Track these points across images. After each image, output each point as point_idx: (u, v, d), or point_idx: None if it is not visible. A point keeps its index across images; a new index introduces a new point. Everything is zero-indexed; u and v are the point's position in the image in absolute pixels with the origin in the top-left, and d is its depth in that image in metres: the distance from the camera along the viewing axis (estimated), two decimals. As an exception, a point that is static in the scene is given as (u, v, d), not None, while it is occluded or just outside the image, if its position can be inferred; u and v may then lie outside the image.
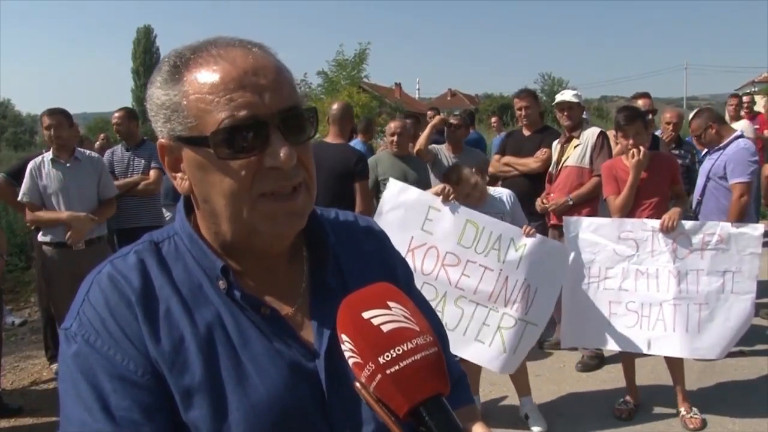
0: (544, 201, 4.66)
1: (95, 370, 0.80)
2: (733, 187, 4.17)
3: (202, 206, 0.88)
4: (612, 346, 3.84)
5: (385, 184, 4.60)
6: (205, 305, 0.86)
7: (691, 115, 4.79)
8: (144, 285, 0.85)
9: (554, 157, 4.81)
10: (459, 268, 3.49)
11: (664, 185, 3.84)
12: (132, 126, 5.33)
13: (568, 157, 4.62)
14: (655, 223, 3.66)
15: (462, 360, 3.40)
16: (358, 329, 0.70)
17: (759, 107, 8.34)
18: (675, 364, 3.76)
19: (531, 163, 4.89)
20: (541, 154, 4.86)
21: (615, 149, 4.74)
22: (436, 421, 0.67)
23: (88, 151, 4.63)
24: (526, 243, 3.51)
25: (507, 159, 4.93)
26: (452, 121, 5.20)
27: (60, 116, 4.30)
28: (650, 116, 4.98)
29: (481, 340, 3.51)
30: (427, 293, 3.44)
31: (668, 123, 5.33)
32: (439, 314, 3.44)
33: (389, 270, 1.04)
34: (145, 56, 58.29)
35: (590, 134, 4.60)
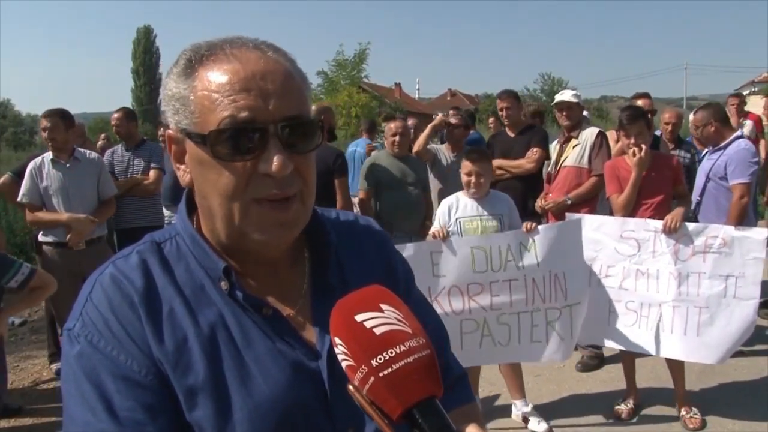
0: (543, 201, 4.66)
1: (98, 371, 0.80)
2: (733, 188, 4.16)
3: (201, 203, 0.88)
4: (610, 344, 3.85)
5: (385, 186, 4.65)
6: (207, 306, 0.86)
7: (695, 109, 4.79)
8: (147, 285, 0.85)
9: (553, 157, 4.81)
10: (486, 292, 3.48)
11: (666, 185, 3.83)
12: (131, 126, 5.33)
13: (566, 157, 4.61)
14: (658, 223, 3.65)
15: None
16: (350, 332, 0.70)
17: (759, 107, 8.31)
18: (675, 365, 3.76)
19: (524, 164, 4.86)
20: (532, 154, 4.84)
21: (614, 148, 4.75)
22: (430, 423, 0.67)
23: (87, 152, 4.62)
24: (535, 239, 3.51)
25: (498, 162, 4.84)
26: (452, 120, 5.20)
27: (56, 118, 4.27)
28: (650, 116, 4.97)
29: (538, 340, 3.56)
30: (468, 327, 3.48)
31: (667, 123, 5.33)
32: (488, 338, 3.41)
33: (390, 269, 1.04)
34: (145, 56, 58.27)
35: (589, 134, 4.60)
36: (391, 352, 0.67)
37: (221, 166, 0.81)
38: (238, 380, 0.83)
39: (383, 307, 0.72)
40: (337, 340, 0.71)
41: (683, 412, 3.71)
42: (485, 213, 3.63)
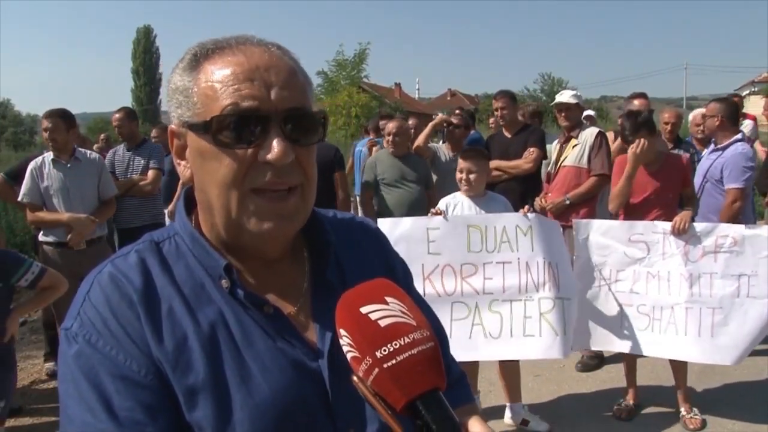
0: (543, 201, 4.66)
1: (97, 371, 0.79)
2: (727, 191, 4.16)
3: (200, 198, 0.89)
4: (623, 349, 3.79)
5: (385, 184, 4.71)
6: (207, 304, 0.86)
7: (708, 102, 4.78)
8: (145, 284, 0.84)
9: (553, 157, 4.81)
10: (479, 274, 3.46)
11: (675, 186, 3.82)
12: (132, 126, 5.36)
13: (566, 157, 4.62)
14: (666, 225, 3.63)
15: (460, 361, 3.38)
16: (355, 324, 0.70)
17: (759, 107, 8.31)
18: (678, 365, 3.74)
19: (522, 164, 4.86)
20: (530, 154, 4.85)
21: (613, 148, 4.76)
22: (433, 415, 0.67)
23: (88, 152, 4.63)
24: (531, 224, 3.50)
25: (496, 163, 4.83)
26: (453, 120, 5.22)
27: (57, 119, 4.28)
28: None
29: (531, 334, 3.47)
30: (459, 312, 3.43)
31: (666, 123, 5.33)
32: (478, 327, 3.33)
33: (389, 268, 1.04)
34: (145, 56, 58.26)
35: (588, 134, 4.60)
36: (396, 344, 0.68)
37: (222, 154, 0.82)
38: (238, 379, 0.82)
39: (388, 299, 0.72)
40: (342, 332, 0.71)
41: (683, 411, 3.71)
42: (481, 212, 3.64)
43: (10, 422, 4.17)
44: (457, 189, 3.76)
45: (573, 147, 4.60)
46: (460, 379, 1.09)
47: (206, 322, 0.84)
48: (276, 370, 0.84)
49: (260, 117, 0.81)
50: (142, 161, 5.19)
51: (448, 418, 0.68)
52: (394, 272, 1.05)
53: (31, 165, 4.31)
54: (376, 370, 0.67)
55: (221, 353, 0.83)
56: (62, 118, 4.31)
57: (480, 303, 3.47)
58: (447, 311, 3.36)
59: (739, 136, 4.34)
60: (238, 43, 0.86)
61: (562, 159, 4.64)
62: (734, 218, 4.00)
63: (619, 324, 3.72)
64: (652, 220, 3.73)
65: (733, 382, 4.21)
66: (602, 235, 3.73)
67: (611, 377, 4.41)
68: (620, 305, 3.71)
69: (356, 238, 1.03)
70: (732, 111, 4.43)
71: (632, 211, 3.88)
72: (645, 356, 3.84)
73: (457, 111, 6.63)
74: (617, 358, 4.46)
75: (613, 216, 4.03)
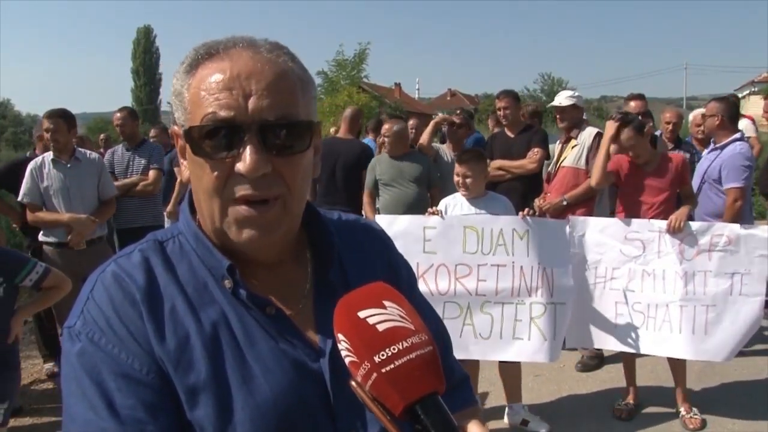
0: (541, 201, 4.65)
1: (100, 369, 0.80)
2: (727, 191, 4.17)
3: (195, 199, 0.89)
4: (617, 347, 3.82)
5: (383, 184, 4.75)
6: (210, 304, 0.86)
7: (708, 101, 4.79)
8: (149, 283, 0.84)
9: (554, 158, 4.81)
10: (473, 275, 3.47)
11: (671, 186, 3.83)
12: (134, 126, 5.37)
13: (565, 158, 4.62)
14: (662, 223, 3.65)
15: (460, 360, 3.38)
16: (353, 328, 0.70)
17: (759, 107, 8.31)
18: (677, 365, 3.76)
19: (527, 164, 4.85)
20: (533, 154, 4.85)
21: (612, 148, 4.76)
22: (432, 419, 0.67)
23: (88, 152, 4.62)
24: (528, 229, 3.51)
25: (500, 163, 4.85)
26: (455, 119, 5.24)
27: (58, 119, 4.28)
28: (641, 117, 4.96)
29: (520, 337, 3.50)
30: (451, 311, 3.45)
31: (668, 123, 5.34)
32: (469, 327, 3.35)
33: (393, 270, 1.04)
34: (145, 56, 58.26)
35: (587, 135, 4.59)
36: (394, 349, 0.67)
37: (204, 163, 0.82)
38: (239, 379, 0.82)
39: (386, 303, 0.72)
40: (340, 336, 0.71)
41: (683, 411, 3.71)
42: (481, 212, 3.65)
43: (10, 422, 4.17)
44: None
45: (572, 148, 4.60)
46: (463, 382, 1.09)
47: (208, 321, 0.84)
48: (278, 371, 0.84)
49: (235, 127, 0.80)
50: (143, 162, 5.19)
51: (446, 422, 0.68)
52: (398, 274, 1.04)
53: (31, 165, 4.32)
54: (375, 374, 0.67)
55: (223, 353, 0.83)
56: (64, 118, 4.31)
57: (472, 304, 3.49)
58: (439, 310, 3.32)
59: (737, 135, 4.34)
60: (227, 47, 0.84)
61: (561, 159, 4.65)
62: (737, 217, 4.02)
63: (614, 322, 3.73)
64: (649, 219, 3.75)
65: (733, 382, 4.22)
66: (598, 233, 3.75)
67: (611, 377, 4.42)
68: (615, 303, 3.73)
69: (360, 240, 1.03)
70: (732, 110, 4.43)
71: (629, 210, 3.89)
72: (642, 355, 3.85)
73: (458, 111, 6.64)
74: (617, 358, 4.46)
75: (613, 216, 4.04)
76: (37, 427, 4.09)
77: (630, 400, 3.88)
